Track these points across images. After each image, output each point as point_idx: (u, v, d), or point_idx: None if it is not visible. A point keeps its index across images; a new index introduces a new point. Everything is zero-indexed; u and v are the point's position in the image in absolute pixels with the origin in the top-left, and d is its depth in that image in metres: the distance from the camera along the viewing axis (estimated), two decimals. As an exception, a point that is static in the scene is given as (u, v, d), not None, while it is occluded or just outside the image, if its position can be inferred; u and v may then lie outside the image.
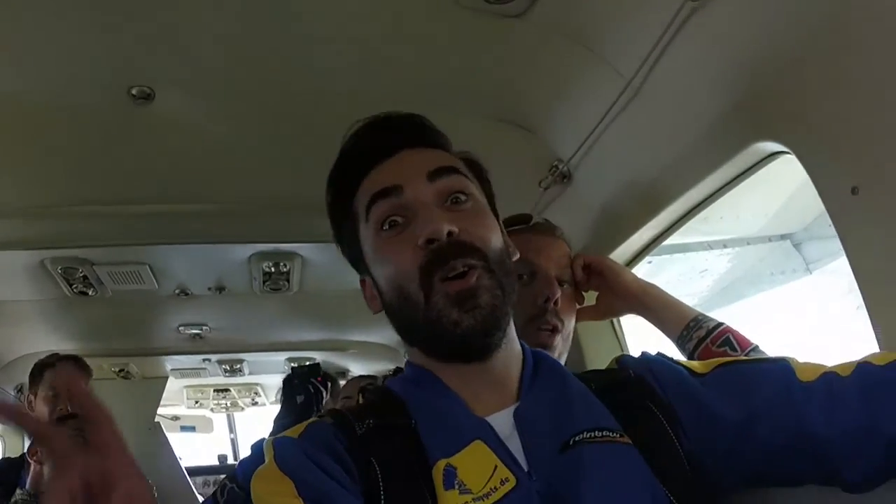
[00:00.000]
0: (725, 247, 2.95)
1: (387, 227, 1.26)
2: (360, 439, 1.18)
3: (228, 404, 7.42)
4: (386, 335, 4.82)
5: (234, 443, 8.90)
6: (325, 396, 2.65)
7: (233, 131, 2.40)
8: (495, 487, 1.12)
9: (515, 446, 1.20)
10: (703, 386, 1.29)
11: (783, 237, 3.04)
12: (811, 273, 3.01)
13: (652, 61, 1.80)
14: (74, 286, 3.45)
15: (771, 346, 1.70)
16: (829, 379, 1.18)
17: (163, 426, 5.85)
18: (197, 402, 7.26)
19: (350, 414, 1.24)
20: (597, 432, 1.21)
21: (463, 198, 1.27)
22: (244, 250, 3.30)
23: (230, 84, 2.17)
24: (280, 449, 1.16)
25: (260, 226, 2.99)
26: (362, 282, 1.40)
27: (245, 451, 8.86)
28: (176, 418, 8.04)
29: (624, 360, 1.42)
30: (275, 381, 6.48)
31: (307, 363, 2.73)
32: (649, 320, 1.89)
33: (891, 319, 1.33)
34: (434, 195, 1.26)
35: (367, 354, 5.13)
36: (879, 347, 1.33)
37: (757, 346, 1.69)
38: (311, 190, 2.70)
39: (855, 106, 1.33)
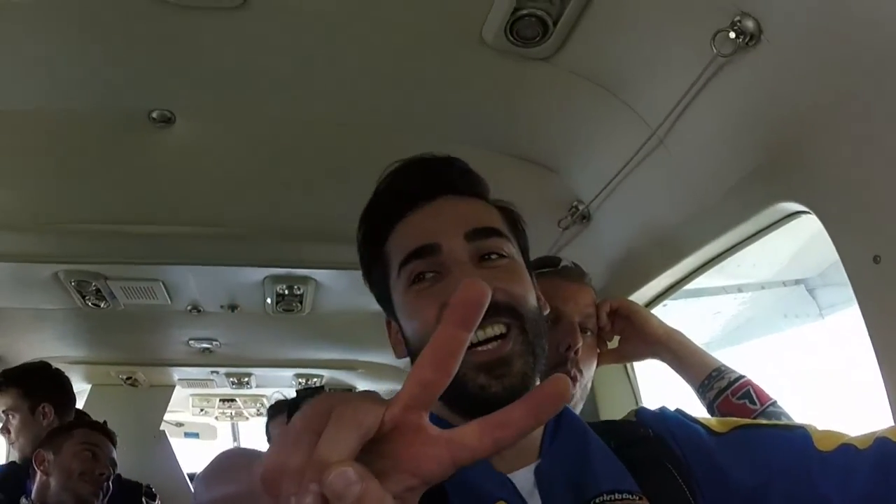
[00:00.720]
0: (740, 291, 2.94)
1: (418, 280, 1.24)
2: None
3: (233, 413, 7.42)
4: (393, 357, 4.80)
5: (238, 451, 8.90)
6: None
7: (251, 157, 2.40)
8: None
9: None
10: (719, 447, 1.28)
11: (798, 282, 3.03)
12: (823, 318, 2.99)
13: (678, 113, 1.79)
14: (87, 298, 3.44)
15: (785, 391, 1.70)
16: (847, 451, 1.16)
17: (167, 431, 5.85)
18: (202, 410, 7.26)
19: None
20: (616, 494, 1.19)
21: (495, 255, 1.24)
22: (258, 273, 3.29)
23: (249, 111, 2.17)
24: None
25: (275, 250, 2.98)
26: (388, 323, 1.38)
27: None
28: (180, 424, 8.05)
29: (642, 414, 1.40)
30: (282, 393, 6.48)
31: (310, 387, 2.70)
32: (671, 366, 1.87)
33: None
34: (470, 253, 1.23)
35: (374, 374, 5.11)
36: (893, 413, 1.33)
37: (776, 402, 1.67)
38: (327, 217, 2.73)
39: (881, 173, 1.32)
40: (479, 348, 1.17)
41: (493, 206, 1.36)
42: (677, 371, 1.85)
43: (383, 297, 1.35)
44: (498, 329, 1.18)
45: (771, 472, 1.20)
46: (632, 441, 1.31)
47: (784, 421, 1.35)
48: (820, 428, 1.25)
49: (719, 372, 1.74)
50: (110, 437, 3.11)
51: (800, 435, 1.23)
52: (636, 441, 1.32)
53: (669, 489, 1.23)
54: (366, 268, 1.41)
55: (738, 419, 1.35)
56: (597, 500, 1.17)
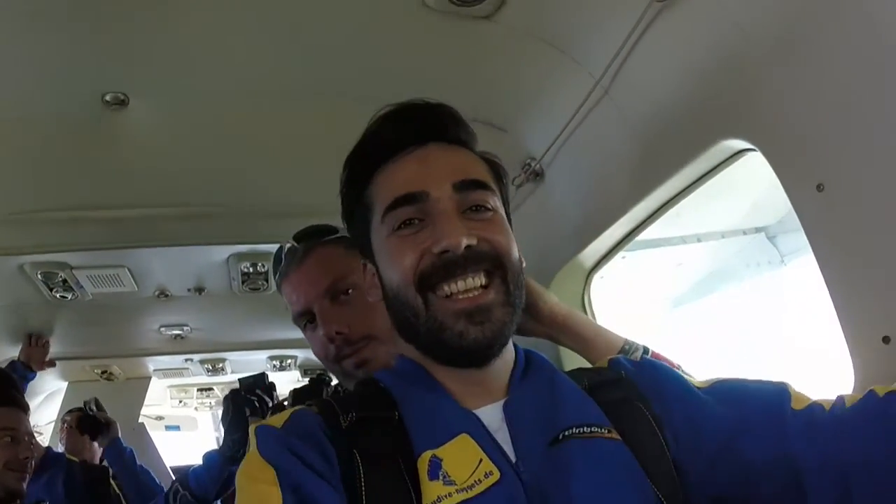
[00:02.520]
0: (699, 241, 2.96)
1: (402, 226, 1.26)
2: (345, 431, 1.19)
3: (213, 403, 7.41)
4: (366, 333, 4.82)
5: (219, 441, 8.88)
6: (271, 404, 2.65)
7: (208, 134, 2.41)
8: (479, 480, 1.12)
9: (504, 439, 1.20)
10: (703, 395, 1.30)
11: (758, 230, 3.05)
12: (785, 265, 3.02)
13: (620, 61, 1.82)
14: (54, 290, 3.46)
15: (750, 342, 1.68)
16: (815, 410, 1.19)
17: (147, 426, 5.85)
18: (181, 402, 7.25)
19: (337, 404, 1.24)
20: (585, 427, 1.22)
21: (484, 209, 1.26)
22: (222, 251, 3.31)
23: (204, 87, 2.18)
24: (262, 438, 1.16)
25: (237, 227, 3.01)
26: (364, 265, 1.39)
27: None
28: (160, 418, 8.04)
29: (617, 361, 1.42)
30: (257, 380, 6.48)
31: (252, 375, 2.71)
32: (572, 347, 1.80)
33: (856, 313, 1.35)
34: (457, 203, 1.24)
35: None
36: (846, 342, 1.37)
37: (681, 368, 1.66)
38: (288, 192, 2.75)
39: (820, 104, 1.35)
40: (460, 296, 1.20)
41: (480, 157, 1.36)
42: (580, 352, 1.78)
43: (362, 240, 1.36)
44: (479, 280, 1.21)
45: (744, 417, 1.22)
46: (603, 382, 1.34)
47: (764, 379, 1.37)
48: (796, 389, 1.26)
49: (624, 352, 1.69)
50: (23, 406, 2.91)
51: (778, 390, 1.25)
52: (607, 382, 1.34)
53: (640, 426, 1.26)
54: (347, 210, 1.41)
55: (716, 377, 1.36)
56: (566, 433, 1.20)
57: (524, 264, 1.34)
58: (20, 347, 4.23)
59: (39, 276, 3.30)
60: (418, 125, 1.33)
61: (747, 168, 1.73)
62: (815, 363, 2.55)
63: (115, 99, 2.13)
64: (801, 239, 2.85)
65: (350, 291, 1.80)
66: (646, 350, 1.69)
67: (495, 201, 1.28)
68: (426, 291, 1.22)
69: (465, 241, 1.19)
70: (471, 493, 1.11)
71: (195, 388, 6.81)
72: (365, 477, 1.12)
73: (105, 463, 3.99)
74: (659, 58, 1.75)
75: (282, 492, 1.05)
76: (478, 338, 1.19)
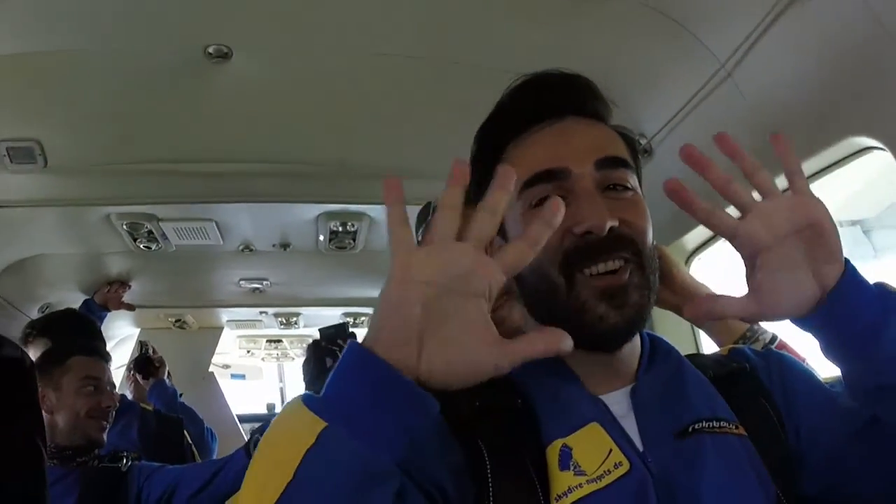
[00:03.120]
0: None
1: (539, 203, 1.17)
2: (466, 419, 1.13)
3: (279, 354, 7.46)
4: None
5: (282, 392, 9.02)
6: None
7: (308, 93, 2.35)
8: (609, 471, 1.08)
9: (631, 427, 1.16)
10: (829, 388, 1.24)
11: (854, 223, 3.01)
12: (878, 259, 3.00)
13: (748, 46, 1.74)
14: (139, 241, 3.45)
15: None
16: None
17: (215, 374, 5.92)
18: (249, 352, 7.31)
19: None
20: (715, 422, 1.17)
21: (623, 188, 1.19)
22: (313, 210, 3.26)
23: (308, 45, 2.12)
24: None
25: (330, 186, 2.96)
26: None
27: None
28: (227, 366, 8.13)
29: (740, 351, 1.37)
30: (328, 334, 6.50)
31: (334, 325, 2.65)
32: (697, 324, 1.82)
33: None
34: (597, 182, 1.17)
35: (425, 312, 5.05)
36: None
37: (805, 361, 1.59)
38: (384, 152, 2.70)
39: None
40: (601, 276, 1.13)
41: (618, 133, 1.29)
42: (707, 329, 1.77)
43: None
44: (615, 264, 1.13)
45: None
46: (728, 373, 1.29)
47: None
48: None
49: (753, 332, 1.67)
50: (105, 357, 2.93)
51: None
52: (733, 374, 1.29)
53: (765, 424, 1.21)
54: (476, 184, 1.33)
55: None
56: (695, 426, 1.15)
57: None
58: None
59: (125, 227, 3.29)
60: (557, 97, 1.25)
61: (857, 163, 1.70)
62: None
63: (218, 52, 2.07)
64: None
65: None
66: (773, 338, 1.66)
67: (634, 180, 1.21)
68: (572, 272, 1.15)
69: (609, 223, 1.12)
70: (601, 484, 1.07)
71: (264, 339, 6.85)
72: (492, 469, 1.08)
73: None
74: (789, 46, 1.67)
75: None
76: (617, 322, 1.13)
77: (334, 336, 2.62)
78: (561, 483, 1.07)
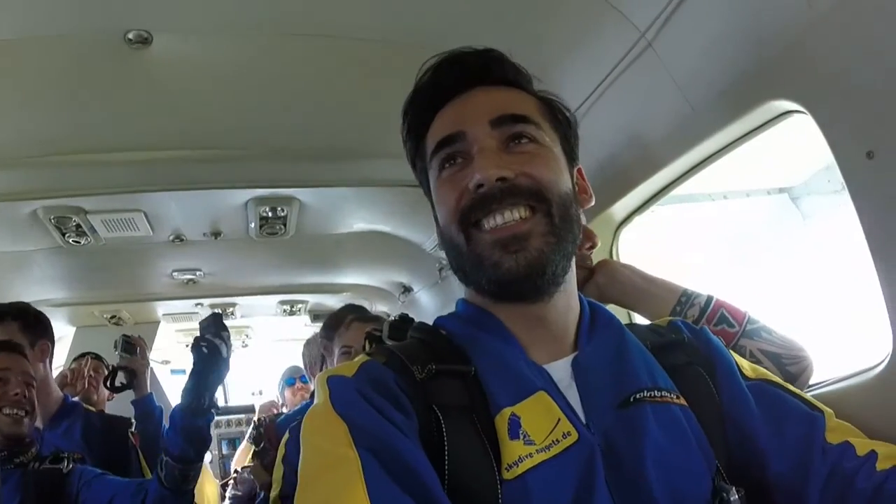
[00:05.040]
0: (725, 198, 2.97)
1: (447, 166, 1.27)
2: (420, 384, 1.16)
3: (219, 347, 7.38)
4: (381, 278, 4.83)
5: (224, 386, 8.94)
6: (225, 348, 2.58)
7: (231, 75, 2.34)
8: (557, 440, 1.11)
9: (573, 397, 1.19)
10: (745, 385, 1.30)
11: (781, 191, 3.08)
12: (806, 226, 3.05)
13: (667, 14, 1.76)
14: (67, 235, 3.40)
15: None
16: (846, 451, 1.20)
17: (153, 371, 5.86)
18: (187, 346, 7.21)
19: (403, 355, 1.22)
20: (656, 392, 1.21)
21: (524, 140, 1.25)
22: (242, 195, 3.26)
23: (228, 27, 2.10)
24: (335, 388, 1.13)
25: (258, 170, 2.95)
26: (435, 219, 1.39)
27: (233, 394, 8.92)
28: (166, 362, 8.04)
29: (676, 324, 1.41)
30: (265, 323, 6.47)
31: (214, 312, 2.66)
32: (626, 303, 1.81)
33: None
34: (496, 139, 1.24)
35: (361, 297, 5.05)
36: (888, 311, 1.37)
37: (748, 315, 1.65)
38: (311, 134, 2.70)
39: (875, 70, 1.32)
40: (499, 229, 1.19)
41: (534, 95, 1.36)
42: (638, 306, 1.80)
43: (426, 189, 1.38)
44: (518, 213, 1.19)
45: (781, 439, 1.22)
46: (667, 343, 1.34)
47: (806, 395, 1.33)
48: (835, 419, 1.27)
49: (687, 297, 1.69)
50: (17, 349, 2.81)
51: (817, 418, 1.25)
52: (671, 344, 1.34)
53: (703, 391, 1.26)
54: (411, 161, 1.43)
55: (766, 371, 1.37)
56: (637, 396, 1.19)
57: (589, 202, 1.38)
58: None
59: (52, 221, 3.24)
60: (461, 72, 1.33)
61: (777, 128, 1.72)
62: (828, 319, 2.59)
63: (138, 37, 2.04)
64: (824, 201, 2.89)
65: None
66: (710, 298, 1.68)
67: (542, 135, 1.27)
68: (468, 228, 1.22)
69: (496, 174, 1.19)
70: (550, 453, 1.10)
71: (203, 332, 6.76)
72: (447, 433, 1.10)
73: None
74: (709, 12, 1.70)
75: (358, 452, 1.01)
76: (511, 266, 1.18)
77: (208, 327, 2.60)
78: (511, 452, 1.10)
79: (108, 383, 3.72)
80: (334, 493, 0.99)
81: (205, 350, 2.52)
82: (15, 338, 3.04)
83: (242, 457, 5.16)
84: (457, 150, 1.26)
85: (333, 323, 3.18)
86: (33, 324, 3.28)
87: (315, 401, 1.17)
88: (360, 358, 1.23)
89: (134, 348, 3.70)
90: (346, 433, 1.04)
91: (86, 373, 4.15)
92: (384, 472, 0.99)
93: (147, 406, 3.64)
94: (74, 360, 4.37)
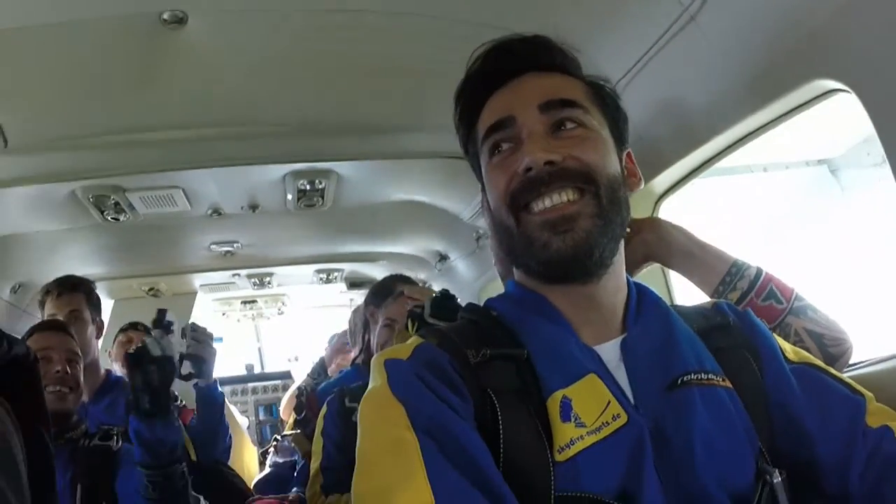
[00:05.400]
0: (765, 170, 2.93)
1: (497, 151, 1.29)
2: (475, 367, 1.17)
3: (255, 315, 7.46)
4: (418, 246, 4.83)
5: (260, 352, 9.03)
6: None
7: (267, 52, 2.32)
8: (607, 422, 1.12)
9: (622, 378, 1.20)
10: (789, 369, 1.30)
11: (821, 162, 3.08)
12: (844, 197, 3.07)
13: None
14: (106, 213, 3.41)
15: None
16: (886, 434, 1.20)
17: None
18: (224, 314, 7.28)
19: (457, 337, 1.23)
20: (703, 375, 1.22)
21: (571, 125, 1.26)
22: (279, 170, 3.25)
23: (263, 3, 2.09)
24: (393, 371, 1.15)
25: (296, 145, 2.94)
26: (485, 204, 1.42)
27: (270, 361, 9.00)
28: (203, 330, 8.10)
29: (723, 307, 1.41)
30: (300, 291, 6.50)
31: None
32: (678, 268, 1.78)
33: None
34: (544, 123, 1.26)
35: (396, 264, 5.10)
36: None
37: (796, 292, 1.63)
38: (347, 108, 2.69)
39: None
40: (549, 211, 1.21)
41: (581, 79, 1.37)
42: (689, 273, 1.76)
43: (479, 174, 1.41)
44: (567, 196, 1.21)
45: (825, 423, 1.23)
46: (713, 326, 1.34)
47: (848, 379, 1.32)
48: (875, 402, 1.28)
49: (738, 269, 1.66)
50: (62, 327, 2.86)
51: (859, 402, 1.26)
52: (717, 327, 1.34)
53: (748, 375, 1.27)
54: (463, 147, 1.46)
55: (808, 355, 1.37)
56: (685, 378, 1.20)
57: (639, 186, 1.39)
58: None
59: (91, 200, 3.26)
60: (510, 59, 1.35)
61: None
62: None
63: (173, 17, 2.03)
64: (864, 174, 2.85)
65: None
66: (760, 271, 1.66)
67: (589, 119, 1.28)
68: (518, 211, 1.25)
69: (544, 157, 1.21)
70: (600, 435, 1.12)
71: (239, 301, 6.83)
72: (502, 416, 1.11)
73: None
74: None
75: (417, 436, 1.03)
76: (560, 247, 1.20)
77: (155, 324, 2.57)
78: (563, 434, 1.11)
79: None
80: (395, 477, 1.00)
81: (131, 352, 2.50)
82: (81, 309, 3.23)
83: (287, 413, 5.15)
84: (506, 135, 1.28)
85: (382, 291, 3.18)
86: (96, 301, 3.44)
87: (371, 384, 1.19)
88: (414, 340, 1.25)
89: (203, 336, 3.54)
90: (404, 416, 1.06)
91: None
92: (442, 455, 1.01)
93: (211, 393, 3.61)
94: (121, 330, 4.36)
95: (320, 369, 4.80)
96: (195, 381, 3.38)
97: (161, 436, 2.41)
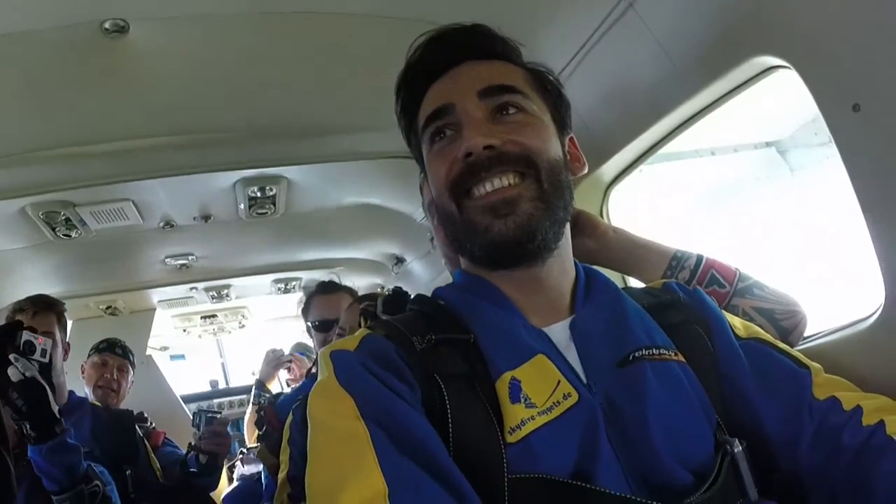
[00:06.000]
0: (713, 154, 2.98)
1: (437, 139, 1.31)
2: (421, 354, 1.19)
3: (216, 329, 7.40)
4: (374, 250, 4.82)
5: (223, 367, 8.96)
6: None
7: (210, 58, 2.33)
8: (558, 402, 1.14)
9: (573, 358, 1.22)
10: (738, 344, 1.33)
11: (768, 144, 3.09)
12: (793, 178, 3.08)
13: None
14: (57, 230, 3.39)
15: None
16: (833, 406, 1.22)
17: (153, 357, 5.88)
18: (185, 331, 7.23)
19: (403, 327, 1.24)
20: (654, 350, 1.24)
21: (512, 110, 1.28)
22: (229, 177, 3.25)
23: (205, 9, 2.09)
24: (339, 363, 1.16)
25: (244, 151, 2.93)
26: (424, 187, 1.46)
27: (234, 376, 8.93)
28: (165, 348, 8.04)
29: (670, 285, 1.45)
30: (260, 303, 6.46)
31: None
32: (620, 267, 1.82)
33: (890, 233, 1.36)
34: (484, 110, 1.27)
35: (355, 271, 5.09)
36: (879, 261, 1.39)
37: (739, 272, 1.66)
38: (294, 113, 2.69)
39: (858, 23, 1.32)
40: (486, 197, 1.23)
41: (522, 66, 1.39)
42: (631, 270, 1.81)
43: (421, 164, 1.42)
44: (507, 180, 1.22)
45: (772, 399, 1.25)
46: (662, 304, 1.37)
47: (795, 352, 1.35)
48: (823, 374, 1.30)
49: (678, 261, 1.69)
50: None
51: (803, 374, 1.28)
52: (668, 303, 1.37)
53: (701, 349, 1.30)
54: (406, 138, 1.47)
55: (757, 330, 1.40)
56: (636, 354, 1.22)
57: (582, 170, 1.40)
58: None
59: (41, 216, 3.23)
60: (449, 47, 1.37)
61: (763, 82, 1.72)
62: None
63: (115, 26, 2.02)
64: (812, 154, 2.90)
65: None
66: (700, 258, 1.69)
67: (529, 105, 1.30)
68: (460, 197, 1.26)
69: (483, 142, 1.22)
70: (551, 415, 1.13)
71: (198, 316, 6.78)
72: (450, 401, 1.12)
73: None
74: None
75: (367, 425, 1.04)
76: (501, 230, 1.21)
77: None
78: (514, 416, 1.12)
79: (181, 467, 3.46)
80: (347, 467, 1.01)
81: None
82: (53, 330, 3.10)
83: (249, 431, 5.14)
84: (446, 122, 1.30)
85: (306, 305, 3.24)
86: (65, 322, 3.34)
87: (319, 377, 1.19)
88: (361, 332, 1.26)
89: (220, 428, 3.43)
90: (352, 406, 1.07)
91: (114, 374, 4.09)
92: (393, 443, 1.01)
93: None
94: (96, 350, 4.26)
95: (260, 390, 4.90)
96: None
97: (54, 461, 2.36)
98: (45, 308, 3.27)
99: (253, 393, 4.97)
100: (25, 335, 2.39)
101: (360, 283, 5.11)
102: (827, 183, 2.71)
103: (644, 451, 1.12)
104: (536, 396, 1.14)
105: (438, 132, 1.31)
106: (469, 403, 1.13)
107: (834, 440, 1.18)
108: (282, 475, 2.86)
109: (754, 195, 3.17)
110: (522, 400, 1.13)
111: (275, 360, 5.15)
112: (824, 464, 1.19)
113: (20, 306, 3.33)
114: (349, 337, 1.25)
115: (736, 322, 1.38)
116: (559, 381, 1.16)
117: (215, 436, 3.34)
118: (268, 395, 4.64)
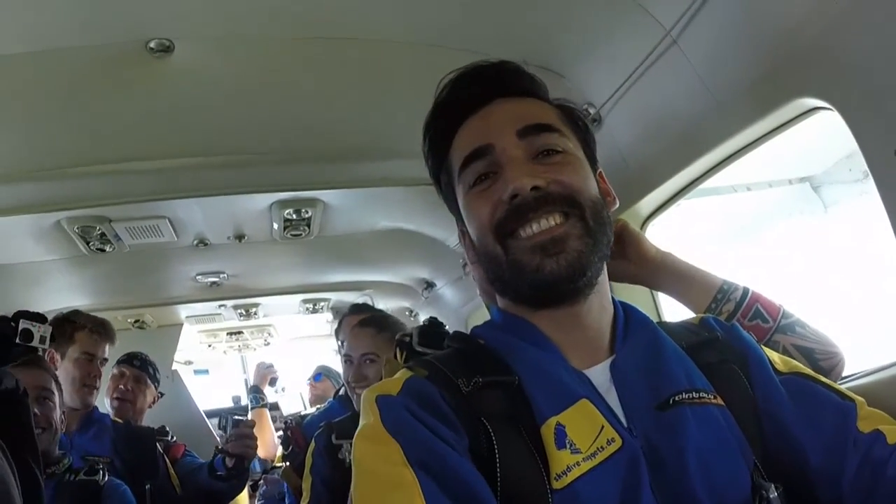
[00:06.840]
0: (749, 189, 2.98)
1: (477, 182, 1.28)
2: (466, 397, 1.17)
3: (241, 346, 7.43)
4: (404, 274, 4.81)
5: (246, 383, 8.97)
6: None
7: (252, 80, 2.33)
8: (602, 447, 1.12)
9: (613, 401, 1.20)
10: (778, 380, 1.30)
11: (803, 180, 3.09)
12: (827, 214, 3.07)
13: (693, 11, 1.75)
14: (91, 244, 3.38)
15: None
16: (877, 438, 1.20)
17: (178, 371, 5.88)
18: (210, 346, 7.25)
19: (445, 368, 1.22)
20: (694, 393, 1.22)
21: (551, 150, 1.27)
22: (265, 199, 3.24)
23: (249, 32, 2.10)
24: (385, 408, 1.14)
25: (282, 174, 2.93)
26: (461, 233, 1.42)
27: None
28: (189, 363, 8.06)
29: (707, 321, 1.42)
30: (288, 322, 6.48)
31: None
32: (669, 291, 1.79)
33: None
34: (524, 150, 1.26)
35: (384, 294, 5.11)
36: None
37: (783, 309, 1.64)
38: (334, 137, 2.70)
39: None
40: (537, 236, 1.21)
41: (550, 103, 1.38)
42: (677, 296, 1.77)
43: (452, 206, 1.40)
44: (553, 220, 1.21)
45: (816, 432, 1.22)
46: (701, 342, 1.34)
47: (838, 385, 1.32)
48: (866, 407, 1.27)
49: (724, 293, 1.67)
50: (36, 363, 2.70)
51: (848, 407, 1.25)
52: (705, 342, 1.35)
53: (739, 390, 1.27)
54: (435, 179, 1.45)
55: (797, 364, 1.37)
56: (676, 398, 1.20)
57: (614, 206, 1.38)
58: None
59: (77, 230, 3.23)
60: (481, 85, 1.36)
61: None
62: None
63: (160, 45, 2.03)
64: (846, 190, 2.89)
65: None
66: (746, 291, 1.66)
67: (566, 143, 1.30)
68: (504, 239, 1.24)
69: (530, 182, 1.21)
70: (595, 461, 1.11)
71: (225, 332, 6.80)
72: (498, 444, 1.10)
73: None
74: (734, 9, 1.69)
75: (415, 471, 1.02)
76: (553, 269, 1.20)
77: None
78: (560, 462, 1.10)
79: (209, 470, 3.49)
80: None
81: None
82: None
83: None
84: (486, 163, 1.28)
85: (339, 326, 3.21)
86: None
87: (363, 420, 1.17)
88: (403, 374, 1.24)
89: (247, 430, 3.44)
90: (399, 452, 1.05)
91: (129, 386, 4.10)
92: (441, 490, 1.00)
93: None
94: (115, 363, 4.27)
95: (256, 394, 5.63)
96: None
97: None
98: (105, 330, 3.40)
99: (250, 397, 5.64)
100: (23, 323, 2.37)
101: (390, 305, 5.11)
102: (861, 219, 2.69)
103: (684, 496, 1.11)
104: (581, 442, 1.12)
105: (478, 173, 1.29)
106: (516, 449, 1.11)
107: (878, 473, 1.15)
108: (304, 503, 2.83)
109: (787, 230, 3.15)
110: (568, 446, 1.12)
111: (264, 372, 5.93)
112: (867, 497, 1.16)
113: (82, 322, 3.49)
114: (390, 380, 1.23)
115: (775, 357, 1.36)
116: (603, 427, 1.15)
117: (242, 438, 3.33)
118: (267, 401, 5.41)
